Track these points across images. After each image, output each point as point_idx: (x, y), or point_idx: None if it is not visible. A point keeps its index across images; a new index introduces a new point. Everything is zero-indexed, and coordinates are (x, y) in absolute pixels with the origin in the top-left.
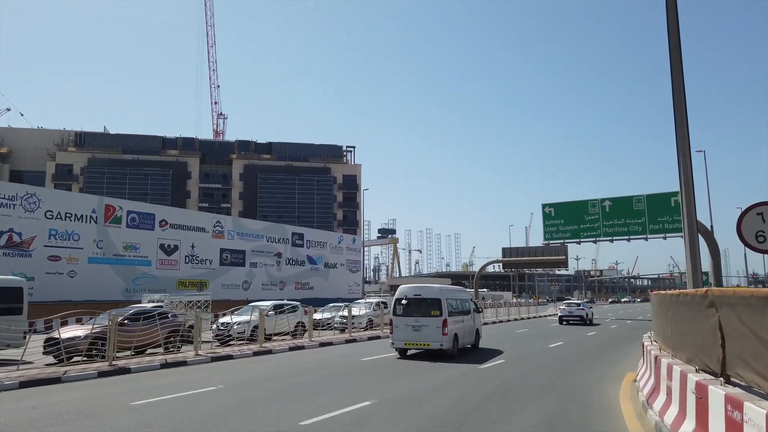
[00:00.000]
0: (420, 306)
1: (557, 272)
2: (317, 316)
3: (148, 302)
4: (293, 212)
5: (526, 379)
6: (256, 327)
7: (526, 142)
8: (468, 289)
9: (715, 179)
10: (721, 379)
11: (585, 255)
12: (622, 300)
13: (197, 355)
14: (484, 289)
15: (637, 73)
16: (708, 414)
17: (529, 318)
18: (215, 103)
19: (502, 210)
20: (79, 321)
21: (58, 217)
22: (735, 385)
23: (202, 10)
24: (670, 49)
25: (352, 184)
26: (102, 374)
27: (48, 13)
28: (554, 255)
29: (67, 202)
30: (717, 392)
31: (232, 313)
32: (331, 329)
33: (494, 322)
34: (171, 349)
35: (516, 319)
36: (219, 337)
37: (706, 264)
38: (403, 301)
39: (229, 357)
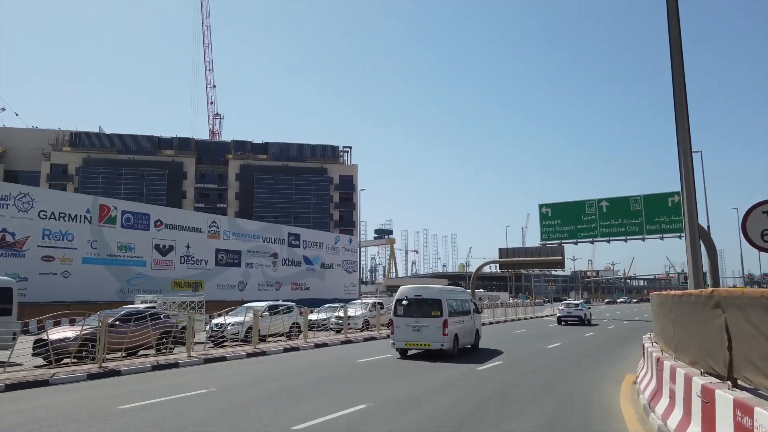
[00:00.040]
0: (421, 306)
1: (554, 273)
2: (313, 316)
3: (141, 303)
4: (289, 212)
5: (525, 381)
6: (250, 328)
7: (522, 143)
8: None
9: (710, 180)
10: (729, 382)
11: (581, 255)
12: (618, 300)
13: (190, 356)
14: (481, 290)
15: (635, 74)
16: (715, 419)
17: (525, 319)
18: (211, 103)
19: (499, 211)
20: (72, 322)
21: (52, 217)
22: (742, 388)
23: (198, 9)
24: (671, 48)
25: (348, 185)
26: (91, 376)
27: (43, 13)
28: (551, 255)
29: (61, 202)
30: (725, 397)
31: (226, 313)
32: (327, 330)
33: (491, 323)
34: (163, 351)
35: (513, 320)
36: (213, 339)
37: (704, 265)
38: (404, 302)
39: (222, 359)
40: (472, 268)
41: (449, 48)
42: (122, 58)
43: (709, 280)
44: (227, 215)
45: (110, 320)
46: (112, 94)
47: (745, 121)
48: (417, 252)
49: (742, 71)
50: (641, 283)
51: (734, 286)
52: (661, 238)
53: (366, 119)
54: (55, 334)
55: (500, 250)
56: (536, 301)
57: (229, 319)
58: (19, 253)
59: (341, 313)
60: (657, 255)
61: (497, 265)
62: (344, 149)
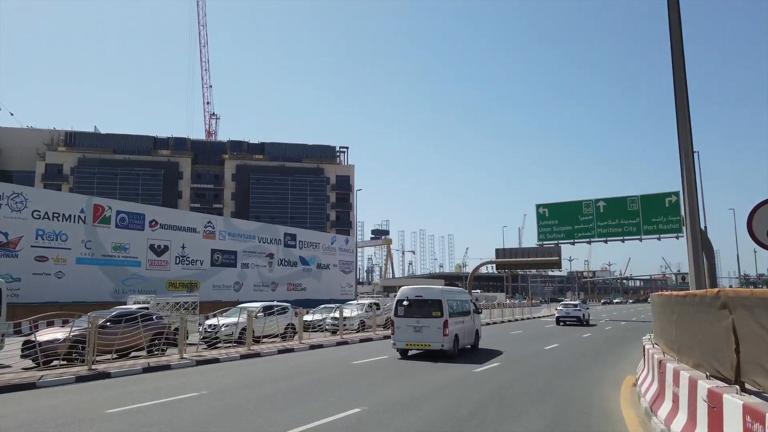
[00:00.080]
0: (421, 307)
1: (550, 273)
2: (308, 317)
3: (134, 303)
4: (286, 213)
5: (524, 382)
6: (244, 329)
7: (519, 143)
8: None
9: (705, 181)
10: (737, 386)
11: (578, 256)
12: (615, 301)
13: (182, 358)
14: (478, 290)
15: (633, 74)
16: (723, 425)
17: (522, 319)
18: (207, 103)
19: (496, 211)
20: (66, 322)
21: (46, 216)
22: (750, 392)
23: (194, 9)
24: (672, 49)
25: (345, 185)
26: (80, 379)
27: (38, 13)
28: (548, 256)
29: (54, 202)
30: (734, 402)
31: (220, 314)
32: (322, 331)
33: (488, 324)
34: (155, 353)
35: (510, 321)
36: (206, 340)
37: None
38: (405, 302)
39: (215, 360)
40: (469, 269)
41: (446, 47)
42: (118, 57)
43: (706, 281)
44: (223, 215)
45: (101, 321)
46: (107, 93)
47: (740, 122)
48: (414, 252)
49: (739, 71)
50: (637, 283)
51: (731, 287)
52: (659, 239)
53: (363, 119)
54: (44, 335)
55: (497, 250)
56: (533, 301)
57: (223, 320)
58: (12, 254)
59: (337, 314)
60: (653, 256)
61: (494, 265)
62: (341, 149)
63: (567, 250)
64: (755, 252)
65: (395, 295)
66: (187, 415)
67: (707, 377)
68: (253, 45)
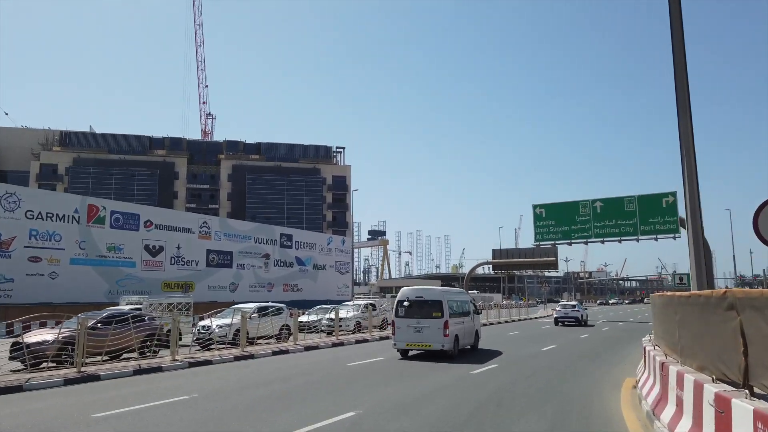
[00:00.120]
0: (422, 308)
1: (547, 274)
2: (303, 318)
3: (126, 304)
4: (282, 213)
5: (523, 384)
6: (238, 330)
7: (516, 143)
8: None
9: (701, 181)
10: (746, 391)
11: (574, 256)
12: (611, 302)
13: (174, 360)
14: (474, 291)
15: (630, 74)
16: (731, 431)
17: (519, 320)
18: (203, 102)
19: (492, 212)
20: (59, 323)
21: (39, 217)
22: (758, 396)
23: (190, 9)
24: (673, 49)
25: (341, 185)
26: (68, 381)
27: (34, 12)
28: (544, 256)
29: (48, 202)
30: (743, 407)
31: (213, 315)
32: (318, 332)
33: (485, 324)
34: (147, 354)
35: (507, 321)
36: (199, 341)
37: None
38: (405, 303)
39: (208, 362)
40: (466, 269)
41: (443, 47)
42: (114, 57)
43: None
44: (219, 216)
45: (91, 322)
46: (103, 93)
47: (737, 123)
48: (410, 253)
49: (736, 72)
50: (633, 284)
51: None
52: (656, 239)
53: (359, 119)
54: (33, 337)
55: (494, 251)
56: (529, 302)
57: (217, 321)
58: (5, 254)
59: (333, 315)
60: (649, 256)
61: (490, 266)
62: (337, 149)
63: (563, 250)
64: (751, 252)
65: (392, 296)
66: (177, 419)
67: (713, 381)
68: (250, 45)
